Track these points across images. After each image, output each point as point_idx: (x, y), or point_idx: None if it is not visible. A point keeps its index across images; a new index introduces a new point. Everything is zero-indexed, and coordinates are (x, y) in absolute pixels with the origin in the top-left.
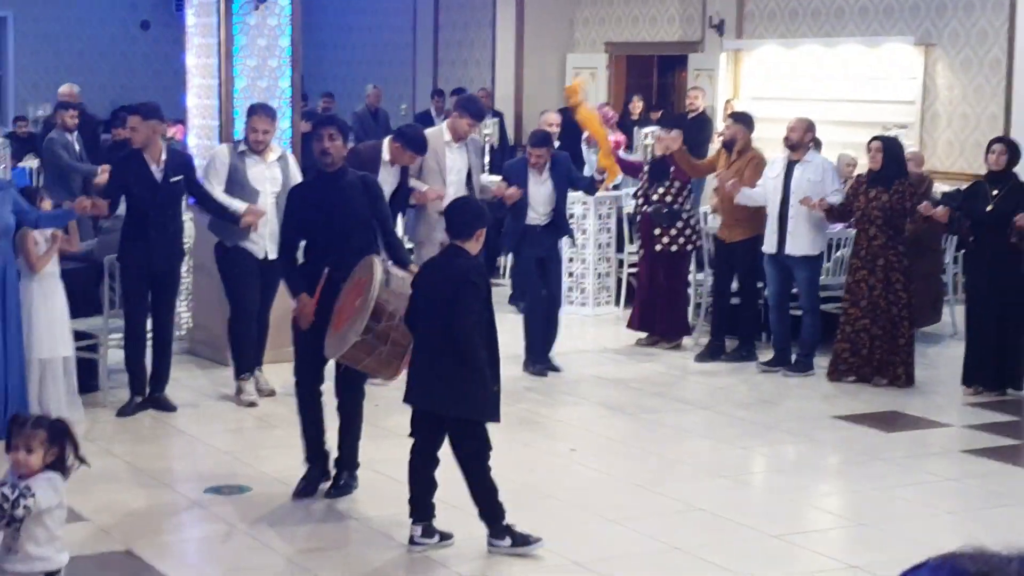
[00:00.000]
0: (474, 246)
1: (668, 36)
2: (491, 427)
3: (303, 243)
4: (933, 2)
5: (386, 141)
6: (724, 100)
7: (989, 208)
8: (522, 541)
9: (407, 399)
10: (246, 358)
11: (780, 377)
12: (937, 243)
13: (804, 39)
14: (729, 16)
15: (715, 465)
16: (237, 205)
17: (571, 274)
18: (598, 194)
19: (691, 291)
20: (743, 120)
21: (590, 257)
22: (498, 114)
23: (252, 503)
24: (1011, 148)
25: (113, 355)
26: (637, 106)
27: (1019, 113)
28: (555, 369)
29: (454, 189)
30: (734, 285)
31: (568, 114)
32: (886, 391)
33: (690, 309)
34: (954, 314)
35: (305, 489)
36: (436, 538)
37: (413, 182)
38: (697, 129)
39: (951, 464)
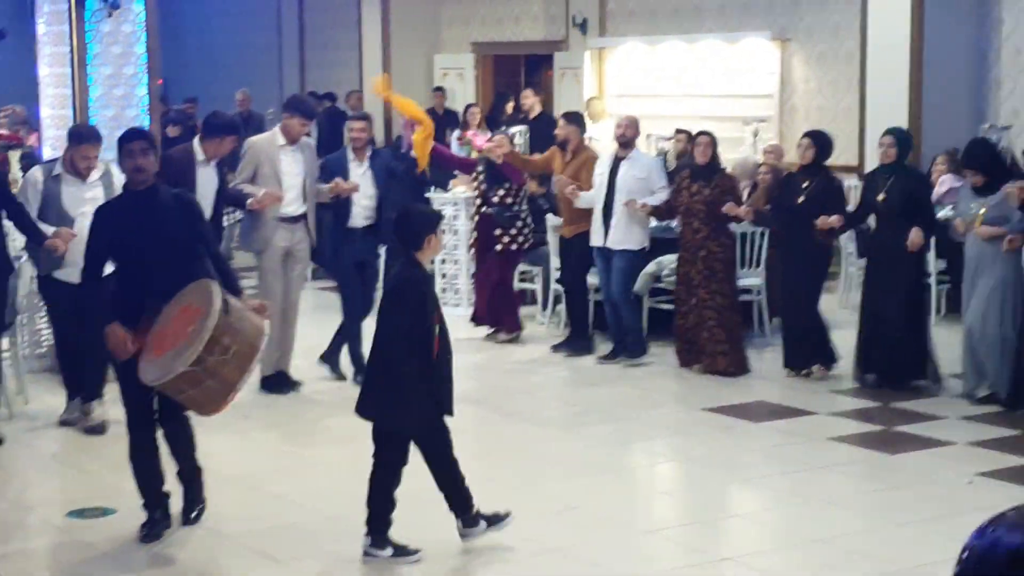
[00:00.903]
0: (428, 253)
1: (533, 35)
2: (358, 433)
3: (113, 270)
4: None
5: (195, 140)
6: (588, 98)
7: (800, 200)
8: (402, 552)
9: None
10: (72, 386)
11: (647, 371)
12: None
13: (665, 36)
14: (591, 15)
15: (588, 463)
16: (43, 228)
17: (444, 275)
18: (469, 195)
19: (537, 286)
20: (575, 121)
21: (462, 257)
22: (366, 116)
23: (116, 526)
24: (818, 142)
25: None
26: (510, 107)
27: (874, 105)
28: None
29: (293, 194)
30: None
31: (435, 115)
32: (753, 382)
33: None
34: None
35: (149, 535)
36: (389, 550)
37: (247, 188)
38: (543, 128)
39: (820, 452)
